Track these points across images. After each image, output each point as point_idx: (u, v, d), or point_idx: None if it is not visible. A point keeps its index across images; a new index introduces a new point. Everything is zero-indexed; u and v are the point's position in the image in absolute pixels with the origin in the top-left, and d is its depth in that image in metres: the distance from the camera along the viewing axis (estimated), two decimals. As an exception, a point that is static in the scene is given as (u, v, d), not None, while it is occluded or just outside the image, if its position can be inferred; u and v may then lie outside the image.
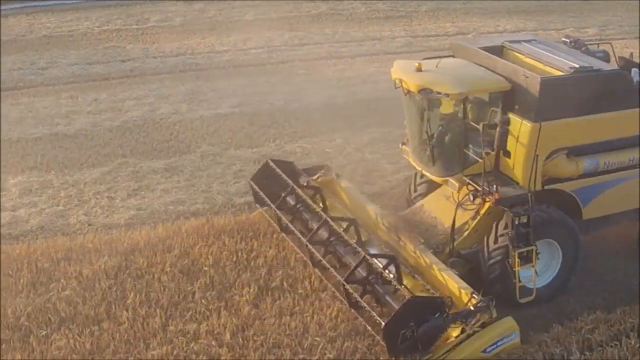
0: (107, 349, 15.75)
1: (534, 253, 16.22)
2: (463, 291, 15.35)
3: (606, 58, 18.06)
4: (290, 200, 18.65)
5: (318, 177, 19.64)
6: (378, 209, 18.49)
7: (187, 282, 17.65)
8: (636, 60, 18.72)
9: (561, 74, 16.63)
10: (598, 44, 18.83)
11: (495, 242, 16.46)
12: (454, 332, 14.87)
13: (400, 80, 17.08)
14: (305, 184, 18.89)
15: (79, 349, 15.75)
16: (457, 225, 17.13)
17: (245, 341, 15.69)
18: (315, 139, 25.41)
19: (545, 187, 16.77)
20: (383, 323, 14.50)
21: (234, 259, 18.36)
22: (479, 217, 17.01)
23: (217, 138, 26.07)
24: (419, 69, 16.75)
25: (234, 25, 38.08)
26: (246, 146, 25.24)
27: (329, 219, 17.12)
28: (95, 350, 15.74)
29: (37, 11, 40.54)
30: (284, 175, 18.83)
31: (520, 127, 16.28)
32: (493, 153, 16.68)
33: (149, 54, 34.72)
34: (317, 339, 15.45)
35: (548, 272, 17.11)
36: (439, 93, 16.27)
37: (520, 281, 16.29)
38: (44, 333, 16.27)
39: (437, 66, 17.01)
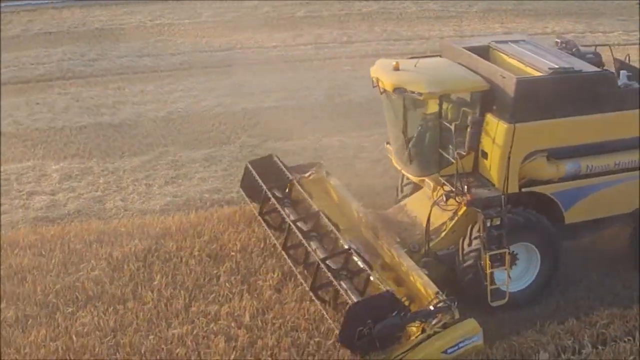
0: (129, 326, 16.26)
1: (507, 256, 16.10)
2: (429, 291, 15.37)
3: (598, 60, 17.75)
4: (278, 194, 18.91)
5: (310, 175, 20.01)
6: (360, 207, 18.54)
7: (214, 266, 18.12)
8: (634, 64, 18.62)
9: (539, 74, 16.49)
10: (595, 46, 18.72)
11: (469, 244, 16.38)
12: (416, 331, 14.95)
13: (377, 79, 17.11)
14: (297, 181, 19.24)
15: (102, 326, 16.29)
16: (435, 225, 17.08)
17: (264, 324, 16.08)
18: (353, 133, 25.73)
19: (523, 190, 16.61)
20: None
21: (262, 245, 18.76)
22: (456, 218, 16.92)
23: (257, 130, 26.52)
24: (397, 68, 16.77)
25: (286, 21, 38.59)
26: (285, 139, 25.62)
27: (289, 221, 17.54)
28: (118, 327, 16.25)
29: (90, 5, 41.33)
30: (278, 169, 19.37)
31: (497, 128, 16.13)
32: (466, 154, 16.59)
33: (199, 48, 35.35)
34: (334, 324, 15.71)
35: (526, 276, 17.01)
36: (413, 92, 16.26)
37: (494, 284, 16.27)
38: (70, 310, 16.85)
39: (415, 65, 17.02)
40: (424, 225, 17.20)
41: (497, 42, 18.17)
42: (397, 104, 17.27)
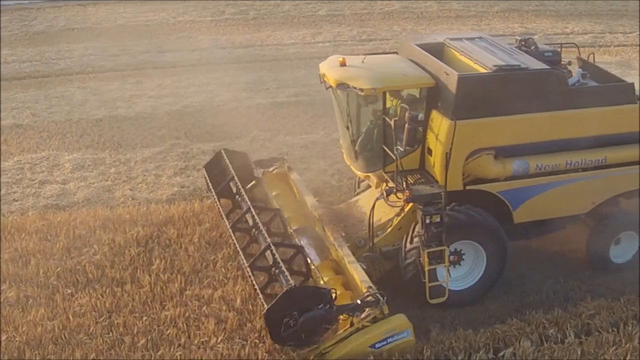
0: (125, 308, 16.88)
1: (446, 253, 16.18)
2: (362, 285, 15.46)
3: (556, 59, 17.74)
4: (233, 188, 19.26)
5: (274, 170, 20.52)
6: (314, 201, 18.86)
7: (212, 252, 18.68)
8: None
9: (484, 71, 16.44)
10: (562, 44, 18.92)
11: (411, 242, 16.43)
12: (345, 325, 15.13)
13: (323, 75, 17.16)
14: (261, 175, 19.83)
15: (99, 307, 16.92)
16: (382, 222, 17.24)
17: (254, 307, 16.57)
18: (363, 128, 26.14)
19: (467, 188, 16.62)
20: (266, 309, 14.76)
21: (261, 234, 19.22)
22: (402, 215, 16.93)
23: (269, 124, 27.08)
24: (343, 64, 16.89)
25: (306, 19, 39.17)
26: (296, 133, 26.17)
27: (252, 209, 17.78)
28: (114, 309, 16.88)
29: (115, 2, 42.13)
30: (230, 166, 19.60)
31: (440, 124, 16.15)
32: (405, 151, 16.64)
33: (219, 45, 36.00)
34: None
35: (473, 274, 17.03)
36: (354, 88, 16.30)
37: (434, 281, 16.37)
38: (69, 291, 17.52)
39: (362, 62, 17.14)
40: (373, 220, 17.37)
41: (451, 39, 18.14)
42: (342, 100, 17.28)
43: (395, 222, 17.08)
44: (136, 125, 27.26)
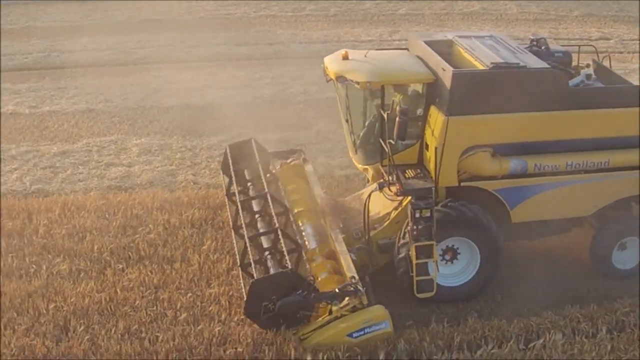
0: (172, 284, 17.46)
1: (434, 248, 16.24)
2: (347, 274, 15.71)
3: (566, 60, 17.73)
4: (247, 176, 19.54)
5: (291, 161, 20.77)
6: (321, 193, 19.05)
7: (262, 236, 19.02)
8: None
9: (481, 68, 16.44)
10: (579, 46, 18.92)
11: (403, 237, 16.54)
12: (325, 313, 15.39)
13: (326, 68, 17.44)
14: (278, 167, 20.17)
15: (147, 283, 17.52)
16: (380, 215, 17.40)
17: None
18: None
19: (462, 184, 16.70)
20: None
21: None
22: (400, 209, 16.99)
23: (337, 118, 27.26)
24: (345, 57, 17.14)
25: (386, 18, 39.44)
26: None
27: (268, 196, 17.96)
28: (161, 284, 17.47)
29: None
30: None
31: (436, 120, 16.28)
32: (404, 144, 16.87)
33: (296, 40, 36.48)
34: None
35: (468, 271, 17.08)
36: (352, 81, 16.53)
37: (422, 275, 16.46)
38: (120, 267, 18.21)
39: (365, 56, 17.40)
40: (372, 213, 17.59)
41: (459, 36, 18.12)
42: (341, 93, 17.60)
43: (392, 215, 17.19)
44: (205, 114, 27.82)
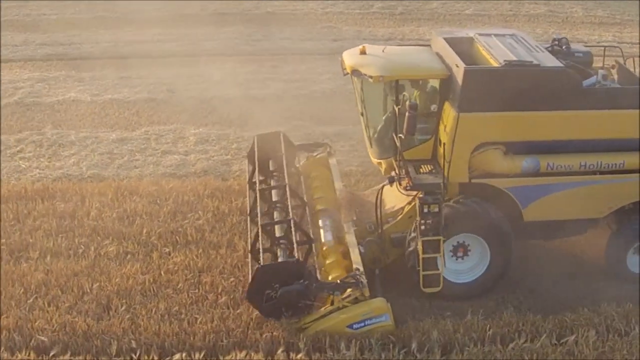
0: (215, 269, 17.79)
1: (442, 244, 16.29)
2: (352, 266, 15.93)
3: (586, 60, 17.71)
4: (270, 166, 19.74)
5: (317, 154, 20.95)
6: (341, 186, 19.16)
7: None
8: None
9: (495, 65, 16.48)
10: (605, 47, 18.78)
11: (415, 231, 16.56)
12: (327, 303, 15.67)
13: (342, 62, 17.60)
14: (306, 159, 20.42)
15: (191, 266, 17.89)
16: (394, 209, 17.58)
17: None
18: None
19: (473, 181, 16.69)
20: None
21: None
22: (413, 204, 16.96)
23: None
24: (363, 52, 17.31)
25: (452, 17, 39.33)
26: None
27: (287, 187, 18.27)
28: (205, 269, 17.80)
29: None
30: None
31: (448, 116, 16.35)
32: (419, 139, 17.10)
33: (360, 37, 36.43)
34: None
35: (479, 267, 17.10)
36: (365, 75, 16.69)
37: (432, 270, 16.55)
38: (167, 250, 18.63)
39: (382, 51, 17.54)
40: (386, 207, 17.80)
41: (480, 34, 18.14)
42: (357, 87, 17.67)
43: (406, 210, 17.31)
44: (265, 106, 27.95)
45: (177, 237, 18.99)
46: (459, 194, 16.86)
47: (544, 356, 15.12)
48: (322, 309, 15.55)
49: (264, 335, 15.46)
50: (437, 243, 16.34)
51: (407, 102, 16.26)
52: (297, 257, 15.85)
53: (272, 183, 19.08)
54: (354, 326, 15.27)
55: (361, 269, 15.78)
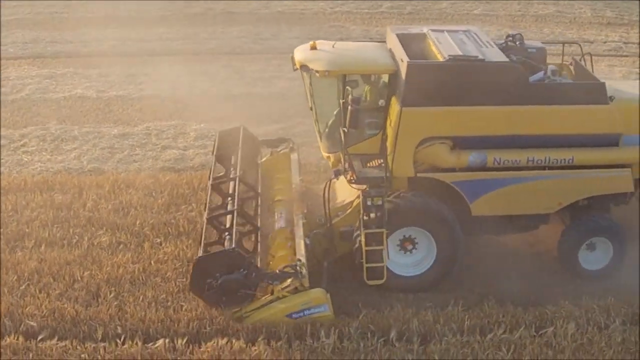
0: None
1: (385, 236, 16.53)
2: (297, 257, 16.25)
3: (540, 56, 17.82)
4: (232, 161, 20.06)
5: (281, 150, 21.33)
6: (297, 180, 19.43)
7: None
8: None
9: (440, 60, 16.55)
10: (564, 43, 19.30)
11: (359, 227, 16.81)
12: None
13: (292, 57, 17.78)
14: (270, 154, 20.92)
15: (181, 256, 18.36)
16: (345, 202, 17.83)
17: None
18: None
19: (419, 175, 16.85)
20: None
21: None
22: (362, 198, 17.03)
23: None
24: (313, 47, 17.46)
25: (460, 17, 39.58)
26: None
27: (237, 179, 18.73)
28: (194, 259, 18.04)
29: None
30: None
31: (394, 110, 16.51)
32: (367, 134, 17.23)
33: (367, 36, 36.77)
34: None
35: (426, 261, 17.27)
36: (312, 70, 16.87)
37: (375, 262, 16.77)
38: (158, 241, 19.09)
39: (333, 46, 17.73)
40: (337, 201, 18.13)
41: (433, 30, 18.23)
42: (306, 81, 17.77)
43: (355, 204, 17.37)
44: (270, 103, 28.43)
45: (169, 229, 19.44)
46: (409, 188, 17.07)
47: (522, 347, 15.45)
48: (263, 298, 15.93)
49: (245, 324, 15.89)
50: (380, 236, 16.54)
51: (350, 97, 16.44)
52: (233, 246, 16.21)
53: (231, 174, 19.52)
54: (293, 315, 15.66)
55: (303, 260, 16.11)
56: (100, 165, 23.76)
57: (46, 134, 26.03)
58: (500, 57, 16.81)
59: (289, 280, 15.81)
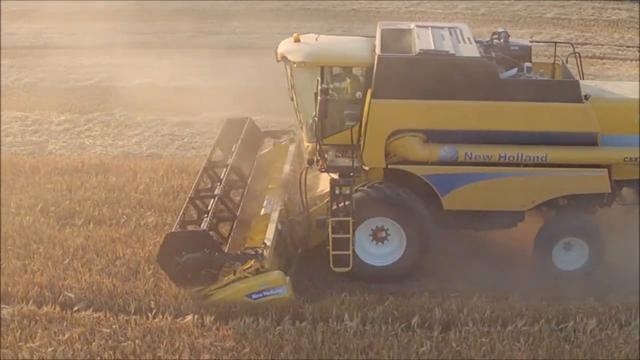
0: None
1: (351, 225, 16.68)
2: (265, 240, 16.71)
3: (522, 53, 17.88)
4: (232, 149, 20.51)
5: (283, 141, 21.66)
6: (288, 169, 19.69)
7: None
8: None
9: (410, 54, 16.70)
10: (556, 43, 19.35)
11: (327, 214, 17.07)
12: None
13: (275, 49, 17.95)
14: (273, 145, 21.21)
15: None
16: (324, 192, 18.07)
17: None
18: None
19: (390, 167, 17.03)
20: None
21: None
22: None
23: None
24: (297, 40, 17.70)
25: (532, 20, 39.77)
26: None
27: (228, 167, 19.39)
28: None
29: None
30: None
31: (367, 102, 16.68)
32: (346, 125, 17.28)
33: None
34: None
35: (397, 252, 17.42)
36: (290, 61, 17.18)
37: (342, 250, 16.99)
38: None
39: (316, 39, 18.00)
40: (317, 190, 18.56)
41: (419, 26, 18.36)
42: (287, 72, 17.99)
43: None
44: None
45: (213, 212, 19.95)
46: (385, 179, 17.28)
47: (540, 340, 15.61)
48: (226, 278, 16.37)
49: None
50: (347, 224, 16.75)
51: (320, 87, 16.52)
52: (204, 228, 16.75)
53: (227, 161, 20.06)
54: (253, 296, 16.09)
55: (268, 243, 16.56)
56: (159, 151, 24.64)
57: (110, 120, 27.07)
58: (473, 52, 16.89)
59: (251, 262, 16.27)
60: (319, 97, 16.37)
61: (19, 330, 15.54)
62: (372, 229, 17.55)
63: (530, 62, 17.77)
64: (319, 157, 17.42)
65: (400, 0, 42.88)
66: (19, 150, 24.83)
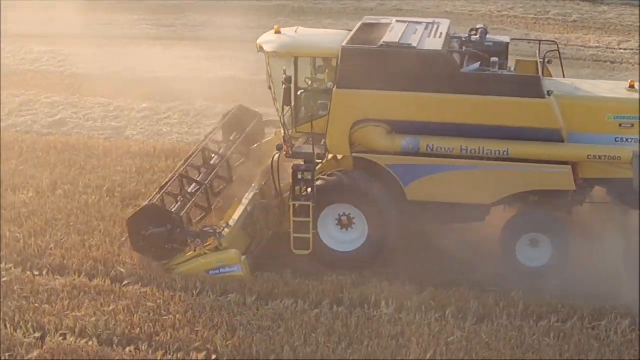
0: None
1: (311, 209, 17.36)
2: (229, 221, 17.80)
3: (499, 50, 17.94)
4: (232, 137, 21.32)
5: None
6: (276, 158, 19.38)
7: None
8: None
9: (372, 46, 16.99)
10: (540, 41, 19.52)
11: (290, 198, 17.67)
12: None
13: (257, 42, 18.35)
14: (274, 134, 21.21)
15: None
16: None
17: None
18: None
19: (354, 155, 17.51)
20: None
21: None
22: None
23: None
24: (277, 32, 18.33)
25: (623, 28, 39.22)
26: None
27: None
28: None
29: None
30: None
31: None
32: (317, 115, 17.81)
33: (525, 39, 37.05)
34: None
35: (361, 239, 17.88)
36: (265, 51, 17.82)
37: (302, 233, 17.68)
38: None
39: (295, 31, 18.57)
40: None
41: (398, 21, 18.77)
42: (266, 63, 18.41)
43: None
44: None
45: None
46: (354, 168, 17.79)
47: (570, 337, 15.76)
48: (188, 253, 17.38)
49: (314, 288, 16.97)
50: (307, 208, 17.43)
51: (284, 76, 17.15)
52: (157, 202, 17.75)
53: (221, 150, 20.82)
54: (210, 272, 17.18)
55: (232, 223, 17.60)
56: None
57: (190, 109, 27.90)
58: (435, 46, 17.15)
59: (211, 240, 17.16)
60: (282, 86, 17.02)
61: (68, 300, 16.43)
62: (338, 215, 18.06)
63: (507, 58, 18.14)
64: (285, 143, 18.07)
65: (494, 4, 42.71)
66: (97, 134, 25.92)
